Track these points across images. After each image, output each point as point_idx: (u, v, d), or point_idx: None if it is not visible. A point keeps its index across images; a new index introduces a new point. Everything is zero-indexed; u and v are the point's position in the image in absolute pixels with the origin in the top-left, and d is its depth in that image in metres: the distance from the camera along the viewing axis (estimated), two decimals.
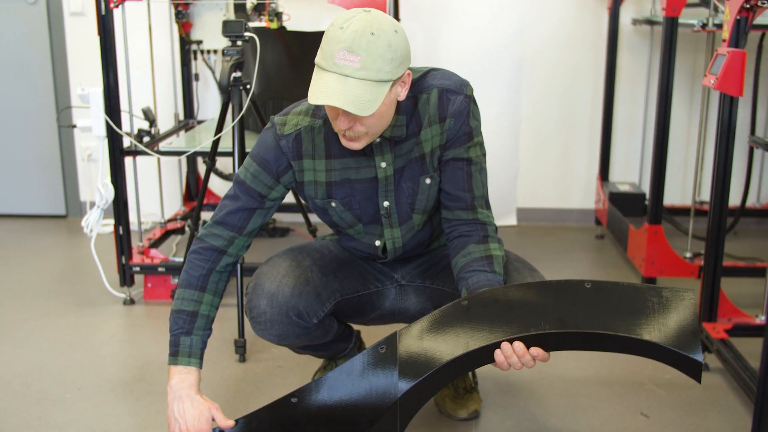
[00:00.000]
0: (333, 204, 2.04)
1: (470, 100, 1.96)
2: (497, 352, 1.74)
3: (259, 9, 3.33)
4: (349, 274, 2.17)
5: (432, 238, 2.20)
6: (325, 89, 1.73)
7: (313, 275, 2.07)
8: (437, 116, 1.95)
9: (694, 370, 1.69)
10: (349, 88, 1.72)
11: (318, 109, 1.98)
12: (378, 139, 1.93)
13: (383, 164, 1.98)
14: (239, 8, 3.42)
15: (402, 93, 1.85)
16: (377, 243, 2.12)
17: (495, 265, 1.94)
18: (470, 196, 2.00)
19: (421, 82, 1.96)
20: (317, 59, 1.77)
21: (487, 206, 2.04)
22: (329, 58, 1.73)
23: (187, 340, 1.91)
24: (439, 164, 2.00)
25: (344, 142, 1.87)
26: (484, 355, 1.76)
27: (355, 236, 2.13)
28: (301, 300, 2.01)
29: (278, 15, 3.37)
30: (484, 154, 2.03)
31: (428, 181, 2.01)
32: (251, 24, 3.42)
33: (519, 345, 1.72)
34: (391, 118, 1.88)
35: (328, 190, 2.02)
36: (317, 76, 1.76)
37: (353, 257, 2.22)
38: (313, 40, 3.39)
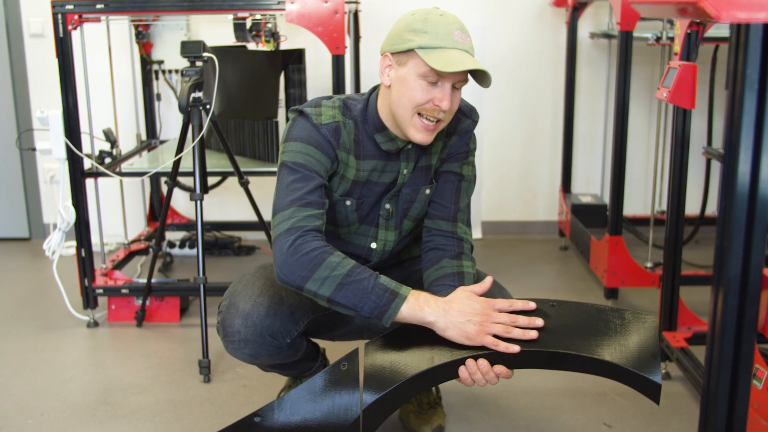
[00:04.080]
0: (348, 203, 2.04)
1: (474, 126, 2.08)
2: (461, 368, 1.76)
3: (255, 29, 3.31)
4: None
5: (405, 245, 2.24)
6: (460, 59, 1.80)
7: (286, 294, 2.06)
8: (446, 131, 2.03)
9: (653, 392, 1.72)
10: (473, 61, 1.81)
11: (348, 109, 1.99)
12: (410, 145, 1.99)
13: (405, 171, 2.03)
14: (238, 27, 3.40)
15: None
16: (373, 245, 2.12)
17: (465, 281, 1.98)
18: (454, 209, 2.07)
19: None
20: (426, 41, 1.81)
21: (468, 224, 2.10)
22: (447, 37, 1.81)
23: (385, 279, 1.81)
24: (436, 175, 2.07)
25: (420, 136, 1.89)
26: (449, 371, 1.79)
27: (344, 237, 2.13)
28: (276, 320, 2.00)
29: (274, 35, 3.36)
30: (474, 176, 2.11)
31: (428, 191, 2.08)
32: (247, 44, 3.41)
33: (483, 362, 1.75)
34: None
35: (351, 188, 2.02)
36: (439, 54, 1.80)
37: None
38: (273, 58, 3.40)
